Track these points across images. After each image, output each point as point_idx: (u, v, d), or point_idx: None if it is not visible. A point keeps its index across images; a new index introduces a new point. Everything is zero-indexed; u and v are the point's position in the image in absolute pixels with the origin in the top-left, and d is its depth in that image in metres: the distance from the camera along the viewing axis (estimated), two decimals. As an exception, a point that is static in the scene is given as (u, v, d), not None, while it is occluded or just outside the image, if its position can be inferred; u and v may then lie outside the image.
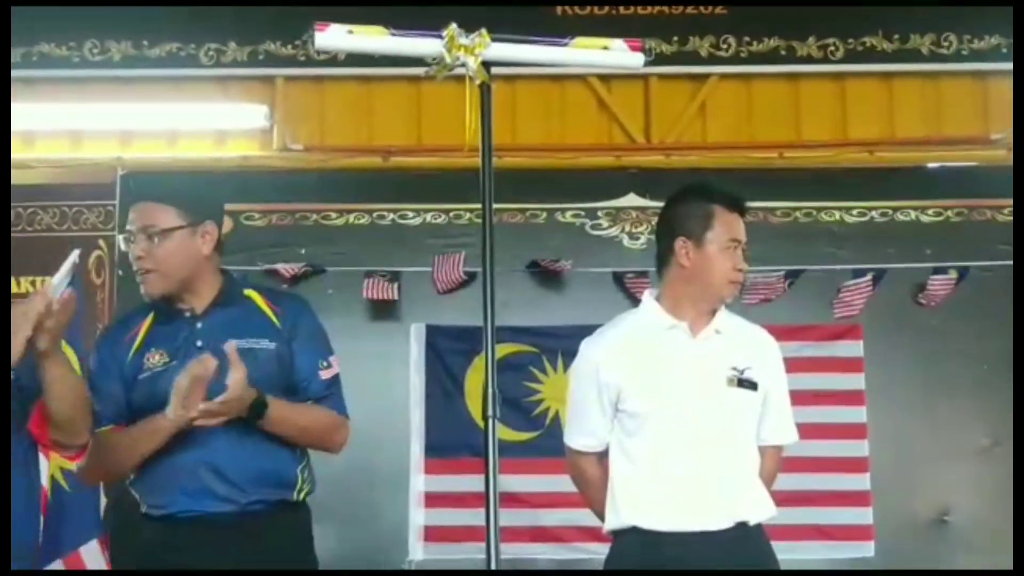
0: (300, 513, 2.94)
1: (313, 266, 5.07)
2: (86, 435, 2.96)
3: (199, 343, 2.85)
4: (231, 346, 2.72)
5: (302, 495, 2.93)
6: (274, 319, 2.92)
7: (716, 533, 2.87)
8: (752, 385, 2.93)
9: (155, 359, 2.86)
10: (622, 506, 2.93)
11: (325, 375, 2.94)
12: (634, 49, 2.45)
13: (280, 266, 5.10)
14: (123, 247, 2.95)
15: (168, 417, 2.74)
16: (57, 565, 4.29)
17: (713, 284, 2.94)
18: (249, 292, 2.98)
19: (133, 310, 3.03)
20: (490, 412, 2.25)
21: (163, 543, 2.84)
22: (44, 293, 2.67)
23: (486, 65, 2.35)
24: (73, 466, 4.32)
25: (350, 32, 2.36)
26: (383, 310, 5.13)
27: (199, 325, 2.88)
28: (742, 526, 2.91)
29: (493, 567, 2.23)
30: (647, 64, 2.53)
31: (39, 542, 3.29)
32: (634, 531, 2.92)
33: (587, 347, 3.01)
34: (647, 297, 3.04)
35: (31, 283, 4.98)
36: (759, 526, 2.96)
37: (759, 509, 2.94)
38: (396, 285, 5.09)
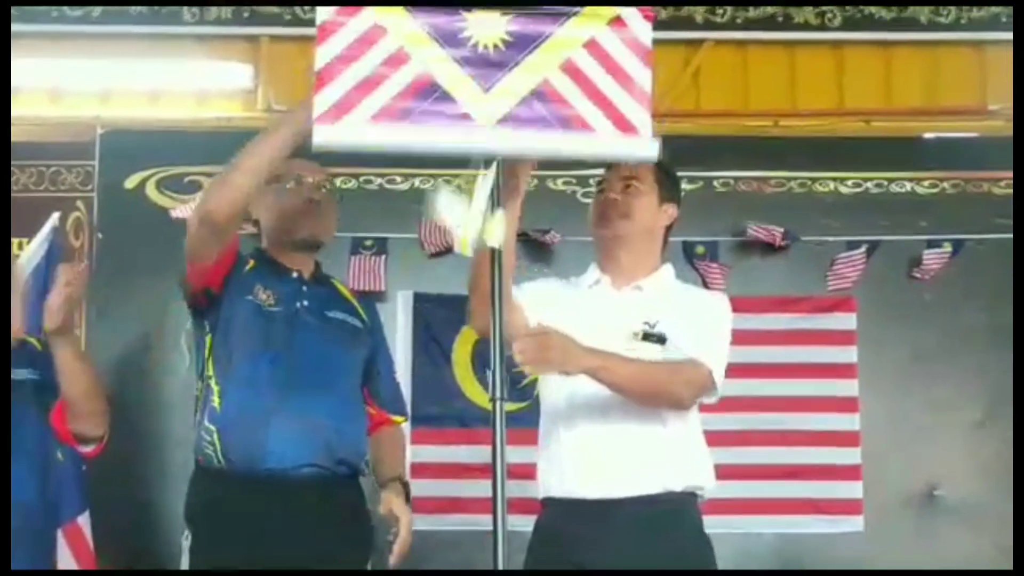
0: (361, 486, 3.03)
1: (299, 231, 4.96)
2: (102, 427, 2.94)
3: (305, 303, 2.97)
4: None
5: (367, 468, 3.03)
6: (359, 308, 3.09)
7: (626, 501, 2.74)
8: (660, 339, 2.78)
9: (263, 296, 2.93)
10: (539, 475, 2.91)
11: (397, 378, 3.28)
12: (647, 19, 2.36)
13: (265, 232, 4.99)
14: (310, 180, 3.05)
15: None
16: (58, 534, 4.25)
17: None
18: (334, 280, 3.17)
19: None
20: (498, 394, 2.21)
21: (244, 499, 2.82)
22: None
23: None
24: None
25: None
26: (370, 278, 5.04)
27: (305, 288, 3.01)
28: (666, 495, 2.77)
29: (499, 547, 2.20)
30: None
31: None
32: (547, 501, 2.87)
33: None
34: None
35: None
36: (690, 495, 2.81)
37: (683, 477, 2.79)
38: (384, 258, 5.01)
